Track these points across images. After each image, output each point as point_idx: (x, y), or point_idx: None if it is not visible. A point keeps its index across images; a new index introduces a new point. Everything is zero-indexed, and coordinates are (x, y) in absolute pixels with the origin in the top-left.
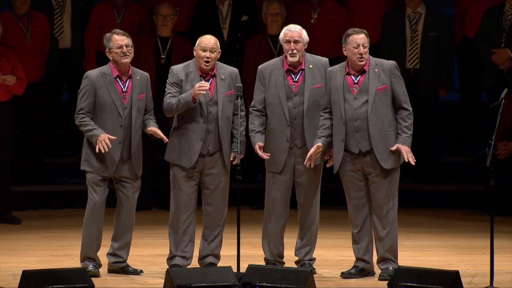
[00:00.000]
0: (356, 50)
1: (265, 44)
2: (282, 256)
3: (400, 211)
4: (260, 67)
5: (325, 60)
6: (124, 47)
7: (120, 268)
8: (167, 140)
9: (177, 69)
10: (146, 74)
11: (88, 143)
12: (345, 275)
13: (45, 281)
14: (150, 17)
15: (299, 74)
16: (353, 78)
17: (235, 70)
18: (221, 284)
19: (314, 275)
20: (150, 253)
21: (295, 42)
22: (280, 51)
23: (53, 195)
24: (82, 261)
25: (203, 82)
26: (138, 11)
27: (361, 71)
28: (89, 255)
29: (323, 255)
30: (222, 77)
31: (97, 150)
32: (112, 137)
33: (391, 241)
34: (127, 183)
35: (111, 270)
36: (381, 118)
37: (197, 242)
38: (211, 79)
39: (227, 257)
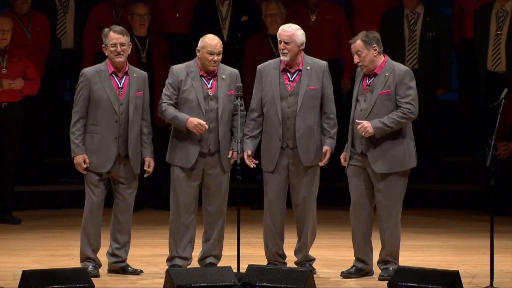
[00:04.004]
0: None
1: (266, 44)
2: (283, 256)
3: None
4: (259, 66)
5: (324, 63)
6: (119, 46)
7: (120, 268)
8: (148, 174)
9: (178, 69)
10: (144, 73)
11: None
12: (345, 275)
13: (45, 281)
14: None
15: (295, 74)
16: (367, 80)
17: (236, 71)
18: (221, 284)
19: (314, 275)
20: (150, 253)
21: (286, 42)
22: None
23: (53, 195)
24: (82, 261)
25: (203, 122)
26: None
27: (374, 74)
28: (88, 255)
29: (323, 255)
30: (223, 77)
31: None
32: (87, 161)
33: (392, 244)
34: (124, 184)
35: (111, 270)
36: None
37: (198, 242)
38: (212, 79)
39: (227, 257)
